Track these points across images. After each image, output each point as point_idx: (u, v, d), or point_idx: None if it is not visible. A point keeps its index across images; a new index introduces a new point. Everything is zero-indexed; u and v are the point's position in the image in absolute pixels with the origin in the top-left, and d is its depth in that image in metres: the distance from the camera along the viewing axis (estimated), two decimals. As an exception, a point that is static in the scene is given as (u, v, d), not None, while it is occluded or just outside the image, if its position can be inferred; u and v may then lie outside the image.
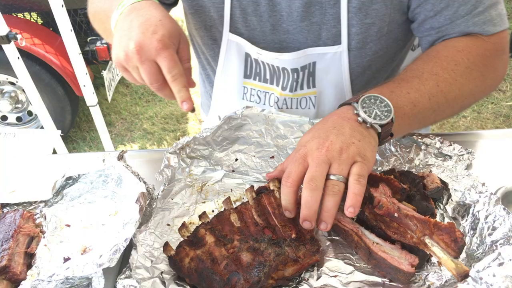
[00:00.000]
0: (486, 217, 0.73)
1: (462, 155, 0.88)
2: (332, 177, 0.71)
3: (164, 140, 3.10)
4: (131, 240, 0.72)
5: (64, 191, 0.89)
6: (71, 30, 2.08)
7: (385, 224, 0.74)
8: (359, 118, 0.76)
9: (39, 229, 0.82)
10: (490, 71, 0.90)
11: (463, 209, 0.78)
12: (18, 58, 2.03)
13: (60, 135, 2.40)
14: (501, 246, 0.67)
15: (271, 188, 0.81)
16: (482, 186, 0.78)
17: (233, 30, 1.00)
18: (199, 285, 0.71)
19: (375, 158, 0.76)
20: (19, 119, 2.98)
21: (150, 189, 0.83)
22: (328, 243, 0.79)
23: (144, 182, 0.81)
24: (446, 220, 0.79)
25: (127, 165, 0.86)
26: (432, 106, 0.83)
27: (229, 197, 0.83)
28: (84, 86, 2.25)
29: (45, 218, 0.84)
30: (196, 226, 0.78)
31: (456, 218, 0.79)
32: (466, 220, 0.77)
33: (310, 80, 1.03)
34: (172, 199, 0.86)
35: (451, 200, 0.81)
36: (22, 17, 2.91)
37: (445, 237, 0.68)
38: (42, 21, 3.03)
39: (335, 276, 0.73)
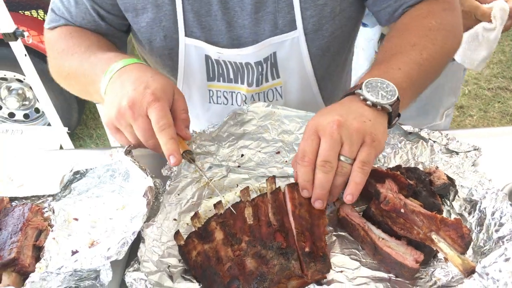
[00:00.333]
0: (493, 213, 0.73)
1: (469, 151, 0.88)
2: (342, 158, 0.72)
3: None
4: (138, 234, 0.72)
5: (72, 185, 0.90)
6: (78, 27, 2.09)
7: (392, 220, 0.74)
8: (368, 102, 0.76)
9: (47, 222, 0.82)
10: (454, 26, 0.96)
11: (470, 205, 0.78)
12: (25, 55, 2.04)
13: (67, 132, 2.42)
14: (507, 242, 0.67)
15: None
16: (489, 182, 0.78)
17: (189, 34, 0.99)
18: (201, 281, 0.72)
19: (385, 139, 0.77)
20: (26, 116, 3.00)
21: (158, 184, 0.84)
22: (334, 238, 0.79)
23: (152, 177, 0.81)
24: (453, 216, 0.79)
25: (134, 159, 0.86)
26: (422, 74, 0.86)
27: (248, 187, 0.82)
28: (91, 83, 2.26)
29: (53, 212, 0.85)
30: (208, 218, 0.78)
31: (462, 215, 0.78)
32: (473, 217, 0.76)
33: (273, 70, 1.04)
34: (178, 195, 0.87)
35: (458, 196, 0.81)
36: (29, 14, 2.92)
37: (451, 233, 0.68)
38: (49, 19, 3.04)
39: (341, 272, 0.73)
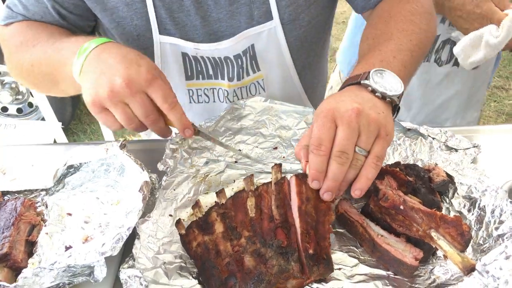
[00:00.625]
0: (493, 211, 0.72)
1: (469, 148, 0.87)
2: (357, 149, 0.69)
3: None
4: (133, 230, 0.71)
5: (66, 179, 0.89)
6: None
7: (391, 217, 0.73)
8: (378, 94, 0.74)
9: (40, 217, 0.81)
10: (432, 7, 0.97)
11: (469, 202, 0.78)
12: (19, 48, 2.01)
13: (61, 127, 2.39)
14: (507, 240, 0.67)
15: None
16: (488, 180, 0.77)
17: (163, 32, 0.96)
18: (200, 273, 0.71)
19: (394, 134, 0.75)
20: (19, 110, 2.97)
21: (153, 179, 0.82)
22: (332, 235, 0.78)
23: (148, 171, 0.80)
24: (452, 213, 0.79)
25: (130, 154, 0.85)
26: (413, 61, 0.86)
27: (252, 175, 0.79)
28: (85, 77, 2.24)
29: (47, 207, 0.83)
30: (209, 208, 0.77)
31: (462, 212, 0.78)
32: (472, 214, 0.76)
33: (253, 63, 1.03)
34: (174, 190, 0.85)
35: (457, 193, 0.80)
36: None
37: (451, 231, 0.67)
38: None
39: (339, 269, 0.72)
